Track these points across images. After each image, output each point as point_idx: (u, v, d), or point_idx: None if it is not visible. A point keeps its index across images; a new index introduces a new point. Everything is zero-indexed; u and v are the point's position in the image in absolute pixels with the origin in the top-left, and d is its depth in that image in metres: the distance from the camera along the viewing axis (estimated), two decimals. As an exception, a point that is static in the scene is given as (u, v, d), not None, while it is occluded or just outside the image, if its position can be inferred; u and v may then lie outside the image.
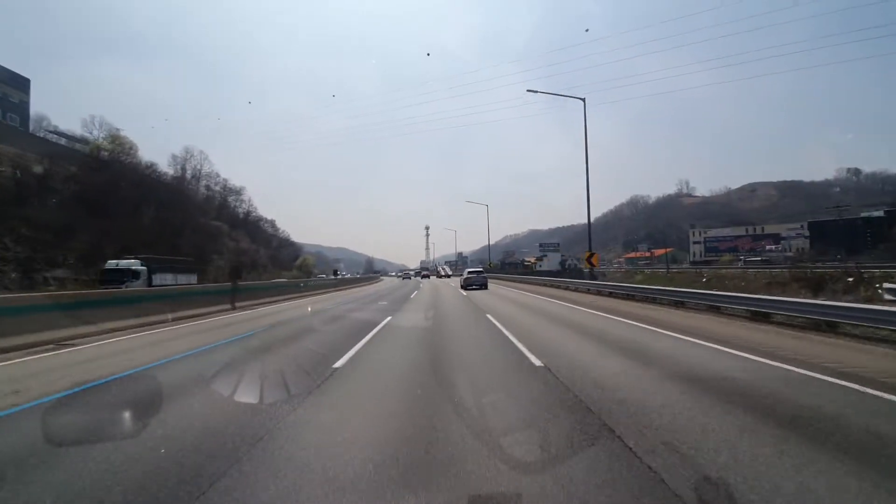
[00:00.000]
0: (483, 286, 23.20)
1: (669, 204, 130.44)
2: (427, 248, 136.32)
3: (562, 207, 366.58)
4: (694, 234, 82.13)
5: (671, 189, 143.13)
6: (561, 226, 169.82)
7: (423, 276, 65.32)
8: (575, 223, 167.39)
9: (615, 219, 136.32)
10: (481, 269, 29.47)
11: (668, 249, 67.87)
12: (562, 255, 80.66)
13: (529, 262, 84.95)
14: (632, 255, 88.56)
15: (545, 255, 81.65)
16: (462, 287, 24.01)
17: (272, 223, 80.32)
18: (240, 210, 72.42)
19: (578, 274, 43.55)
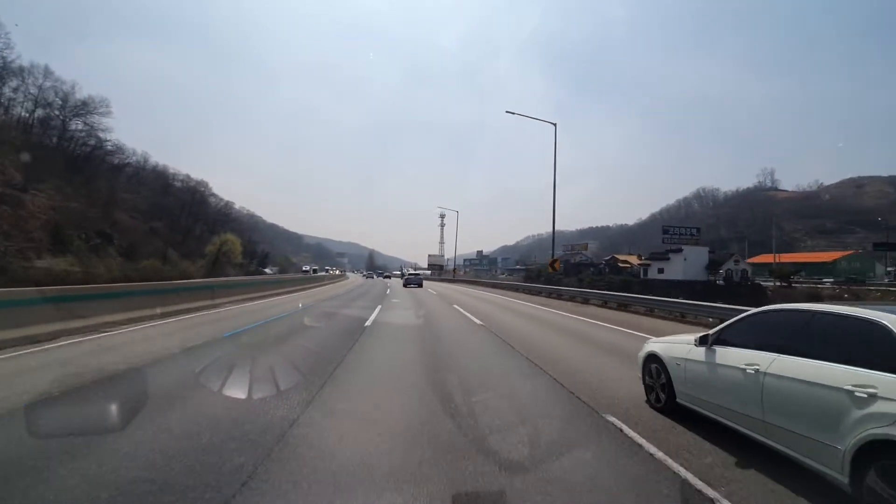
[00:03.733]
0: (419, 285, 35.97)
1: (751, 198, 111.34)
2: (441, 242, 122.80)
3: (591, 208, 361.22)
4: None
5: (746, 182, 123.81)
6: (594, 226, 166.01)
7: (385, 276, 71.93)
8: (611, 224, 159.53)
9: (682, 214, 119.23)
10: (418, 273, 52.93)
11: (846, 252, 57.42)
12: (712, 252, 51.68)
13: (628, 262, 64.89)
14: (758, 258, 64.05)
15: (675, 251, 49.49)
16: (403, 285, 35.95)
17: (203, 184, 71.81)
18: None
19: (757, 293, 32.66)
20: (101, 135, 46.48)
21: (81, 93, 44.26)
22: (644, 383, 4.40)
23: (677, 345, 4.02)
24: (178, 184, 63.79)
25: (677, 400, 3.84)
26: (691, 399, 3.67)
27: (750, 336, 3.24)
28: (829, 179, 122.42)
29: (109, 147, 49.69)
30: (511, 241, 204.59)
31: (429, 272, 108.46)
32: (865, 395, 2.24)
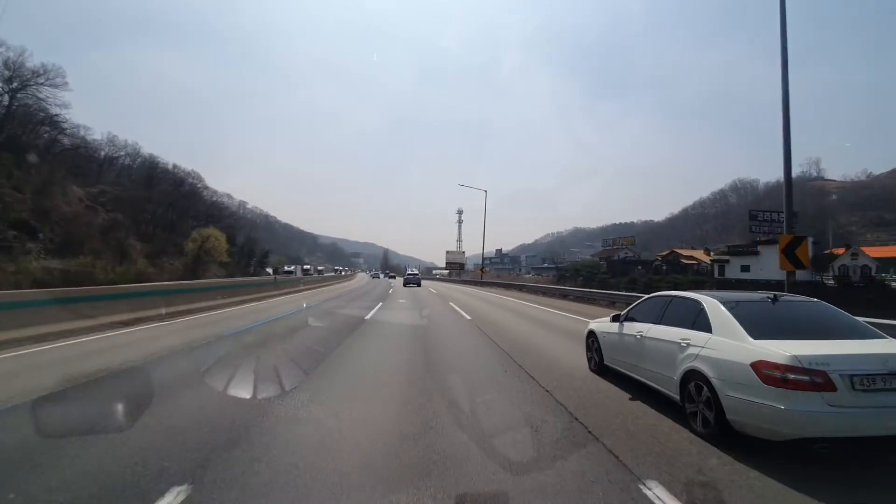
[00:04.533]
0: (417, 284, 38.28)
1: (796, 189, 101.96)
2: (459, 240, 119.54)
3: (611, 205, 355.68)
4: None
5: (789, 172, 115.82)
6: (616, 222, 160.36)
7: (391, 276, 77.25)
8: (635, 220, 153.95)
9: (718, 208, 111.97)
10: (416, 273, 50.51)
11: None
12: (816, 244, 37.53)
13: (693, 258, 54.77)
14: (875, 251, 46.86)
15: (767, 243, 37.21)
16: (403, 284, 37.99)
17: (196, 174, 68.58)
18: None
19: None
20: (56, 110, 41.18)
21: (33, 60, 38.75)
22: (586, 355, 6.02)
23: (605, 323, 5.56)
24: (165, 174, 60.15)
25: (605, 362, 5.43)
26: (612, 360, 5.27)
27: (642, 314, 4.84)
28: (879, 168, 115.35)
29: (65, 126, 44.33)
30: (529, 240, 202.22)
31: (445, 272, 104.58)
32: (685, 345, 3.81)
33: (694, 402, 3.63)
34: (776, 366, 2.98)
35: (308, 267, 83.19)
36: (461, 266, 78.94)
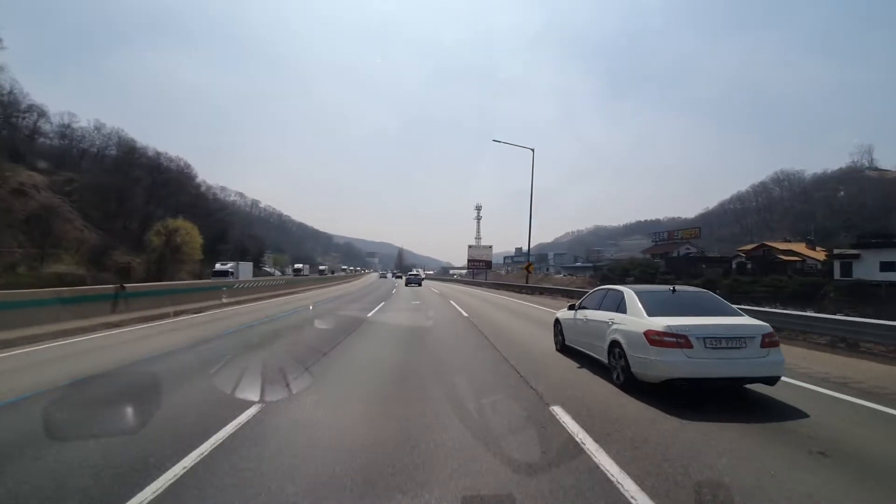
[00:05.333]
0: (418, 283, 41.44)
1: (848, 180, 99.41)
2: (478, 238, 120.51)
3: (633, 202, 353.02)
4: None
5: (834, 162, 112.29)
6: (640, 220, 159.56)
7: (397, 276, 78.58)
8: (660, 217, 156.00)
9: (761, 201, 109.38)
10: (418, 273, 56.26)
11: None
12: None
13: (795, 254, 44.73)
14: None
15: None
16: (405, 284, 41.25)
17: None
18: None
19: None
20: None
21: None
22: (554, 339, 7.84)
23: (566, 311, 7.40)
24: (145, 161, 58.05)
25: (566, 343, 7.27)
26: (571, 340, 7.11)
27: (589, 303, 6.67)
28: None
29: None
30: (548, 239, 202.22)
31: (464, 272, 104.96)
32: (611, 323, 5.57)
33: (614, 362, 5.41)
34: (656, 332, 4.72)
35: (300, 266, 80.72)
36: (487, 264, 71.66)
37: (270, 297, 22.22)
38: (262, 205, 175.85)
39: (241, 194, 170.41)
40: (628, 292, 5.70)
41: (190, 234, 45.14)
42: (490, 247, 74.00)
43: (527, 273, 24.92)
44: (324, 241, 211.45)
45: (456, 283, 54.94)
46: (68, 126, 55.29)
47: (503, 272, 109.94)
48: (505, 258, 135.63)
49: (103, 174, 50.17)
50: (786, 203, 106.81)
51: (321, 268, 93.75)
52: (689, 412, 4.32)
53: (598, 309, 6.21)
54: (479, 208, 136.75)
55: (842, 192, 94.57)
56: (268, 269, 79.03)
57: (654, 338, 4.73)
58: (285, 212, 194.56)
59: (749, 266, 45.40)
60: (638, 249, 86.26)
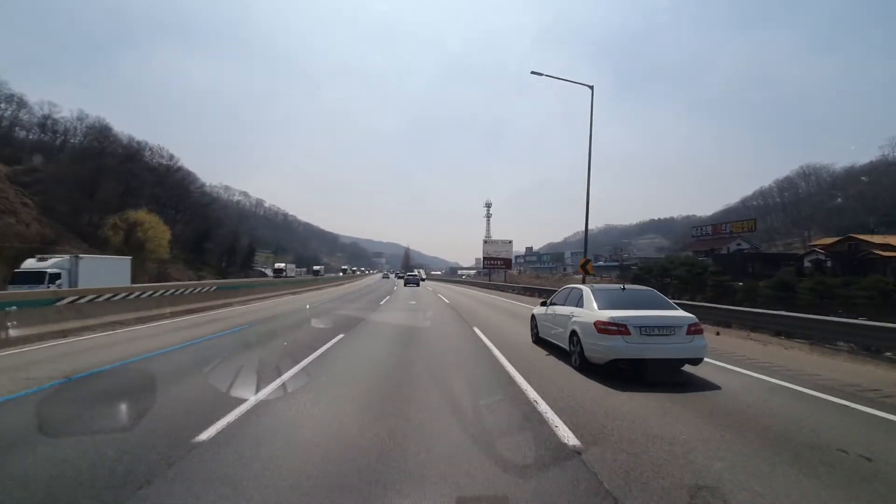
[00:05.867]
0: (416, 284, 46.02)
1: (882, 173, 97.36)
2: (488, 237, 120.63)
3: (644, 201, 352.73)
4: None
5: (862, 156, 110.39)
6: (655, 218, 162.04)
7: (399, 276, 77.74)
8: (674, 216, 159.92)
9: (787, 196, 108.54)
10: (416, 274, 63.98)
11: None
12: None
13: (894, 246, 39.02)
14: None
15: None
16: (404, 284, 45.09)
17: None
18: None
19: None
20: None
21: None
22: (530, 332, 9.29)
23: (539, 308, 8.84)
24: (117, 149, 55.82)
25: (539, 335, 8.67)
26: (543, 332, 8.47)
27: (557, 300, 8.02)
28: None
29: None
30: (557, 239, 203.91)
31: (473, 272, 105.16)
32: (571, 315, 6.94)
33: (573, 348, 6.75)
34: (603, 322, 6.06)
35: (281, 266, 73.13)
36: (506, 263, 64.62)
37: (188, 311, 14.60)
38: (266, 204, 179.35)
39: (245, 193, 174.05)
40: (586, 290, 7.10)
41: (154, 228, 39.79)
42: (510, 242, 65.78)
43: (584, 273, 18.77)
44: (329, 242, 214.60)
45: (468, 287, 48.83)
46: (49, 116, 53.95)
47: (515, 272, 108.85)
48: (516, 257, 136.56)
49: (70, 164, 47.08)
50: (815, 198, 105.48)
51: (315, 268, 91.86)
52: (623, 385, 5.65)
53: (564, 305, 7.59)
54: (489, 205, 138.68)
55: (863, 181, 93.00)
56: (261, 269, 75.12)
57: (601, 327, 6.06)
58: (291, 212, 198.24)
59: (827, 263, 39.96)
60: (653, 248, 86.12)
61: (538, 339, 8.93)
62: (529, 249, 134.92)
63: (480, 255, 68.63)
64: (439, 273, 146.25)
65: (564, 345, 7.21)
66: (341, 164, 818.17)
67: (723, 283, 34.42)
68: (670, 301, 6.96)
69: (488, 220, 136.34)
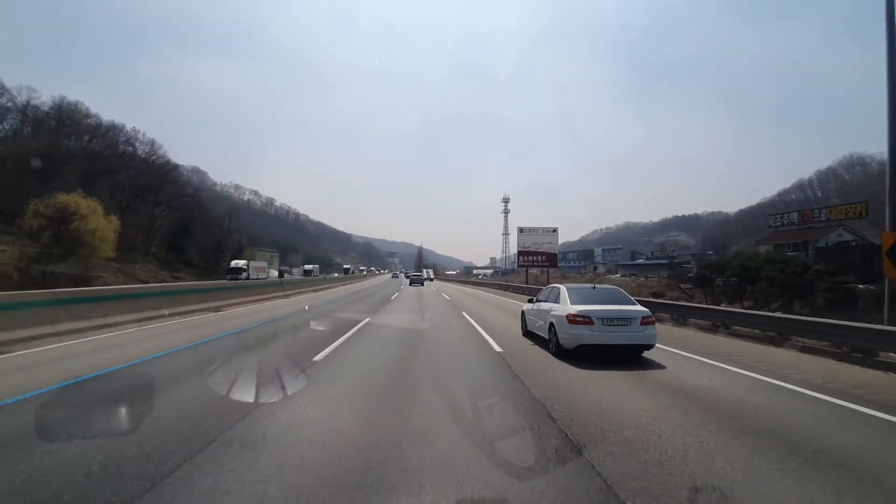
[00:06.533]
0: (421, 283, 52.98)
1: None
2: (505, 234, 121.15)
3: (666, 198, 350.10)
4: None
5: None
6: (677, 215, 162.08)
7: (407, 276, 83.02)
8: (699, 212, 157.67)
9: (832, 188, 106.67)
10: (421, 274, 71.64)
11: None
12: None
13: None
14: None
15: None
16: (409, 284, 51.66)
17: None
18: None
19: None
20: None
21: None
22: (521, 325, 11.08)
23: (528, 304, 10.65)
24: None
25: (528, 328, 10.44)
26: (530, 325, 10.26)
27: (542, 297, 9.81)
28: None
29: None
30: (573, 237, 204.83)
31: (489, 272, 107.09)
32: (551, 310, 8.68)
33: (551, 336, 8.47)
34: (572, 315, 7.79)
35: (240, 264, 55.81)
36: (551, 260, 54.34)
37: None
38: (277, 203, 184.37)
39: (255, 192, 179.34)
40: (562, 288, 8.90)
41: (93, 213, 32.55)
42: (554, 231, 55.20)
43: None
44: (342, 241, 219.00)
45: (487, 291, 41.42)
46: (28, 104, 50.82)
47: (538, 272, 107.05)
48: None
49: (17, 144, 41.65)
50: (865, 189, 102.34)
51: (306, 268, 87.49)
52: (586, 365, 7.34)
53: (546, 301, 9.35)
54: (506, 200, 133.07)
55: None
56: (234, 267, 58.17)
57: (571, 318, 7.80)
58: (303, 211, 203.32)
59: None
60: (678, 244, 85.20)
61: (527, 333, 10.67)
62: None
63: (496, 255, 65.57)
64: (454, 273, 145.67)
65: (545, 335, 8.94)
66: (354, 164, 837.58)
67: (842, 285, 26.79)
68: (631, 298, 8.67)
69: (506, 216, 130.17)
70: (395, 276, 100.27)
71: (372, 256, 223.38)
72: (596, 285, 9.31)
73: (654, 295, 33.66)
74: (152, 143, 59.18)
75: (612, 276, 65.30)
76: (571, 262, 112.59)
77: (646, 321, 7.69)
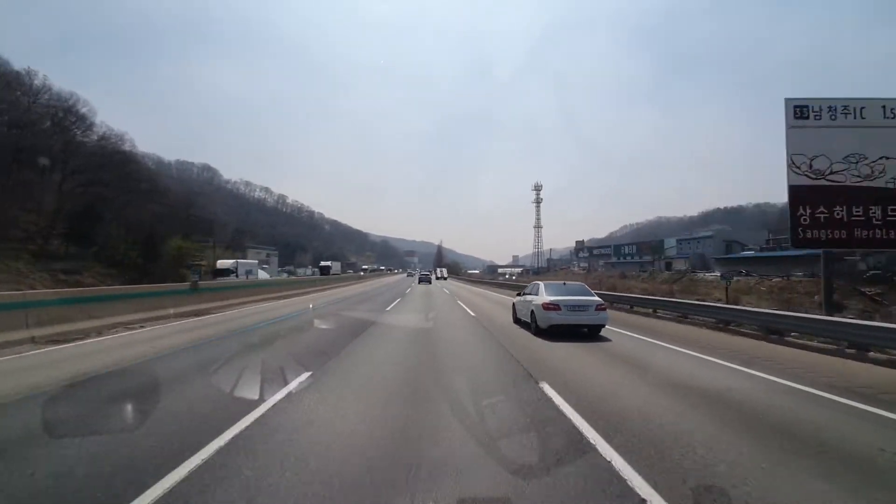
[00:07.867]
0: (429, 282, 60.05)
1: None
2: (538, 227, 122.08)
3: (702, 191, 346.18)
4: None
5: None
6: (720, 207, 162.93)
7: (411, 276, 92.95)
8: (743, 203, 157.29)
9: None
10: (429, 273, 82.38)
11: None
12: None
13: None
14: None
15: None
16: (418, 282, 57.73)
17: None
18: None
19: None
20: None
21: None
22: (512, 314, 14.80)
23: (517, 296, 14.34)
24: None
25: (517, 316, 14.08)
26: (518, 314, 13.99)
27: (526, 291, 13.59)
28: None
29: None
30: (601, 234, 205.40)
31: (517, 270, 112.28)
32: (532, 300, 12.35)
33: (531, 320, 11.83)
34: (546, 303, 11.04)
35: (227, 264, 49.82)
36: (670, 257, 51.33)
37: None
38: (289, 200, 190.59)
39: (267, 189, 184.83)
40: (540, 284, 12.26)
41: None
42: (541, 250, 60.57)
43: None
44: (359, 240, 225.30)
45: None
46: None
47: (576, 268, 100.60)
48: (579, 251, 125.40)
49: None
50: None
51: (323, 265, 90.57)
52: (556, 340, 10.50)
53: (529, 294, 12.67)
54: (538, 188, 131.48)
55: None
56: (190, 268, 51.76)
57: (545, 306, 11.02)
58: (317, 209, 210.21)
59: None
60: (721, 240, 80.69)
61: (516, 320, 14.01)
62: (580, 243, 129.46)
63: (518, 253, 63.32)
64: (476, 272, 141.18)
65: (527, 320, 12.28)
66: (370, 163, 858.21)
67: None
68: (590, 290, 12.21)
69: (538, 207, 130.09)
70: (409, 275, 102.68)
71: (389, 255, 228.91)
72: (566, 282, 13.03)
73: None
74: (72, 94, 47.56)
75: (708, 276, 50.02)
76: (629, 257, 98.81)
77: (599, 308, 11.06)
